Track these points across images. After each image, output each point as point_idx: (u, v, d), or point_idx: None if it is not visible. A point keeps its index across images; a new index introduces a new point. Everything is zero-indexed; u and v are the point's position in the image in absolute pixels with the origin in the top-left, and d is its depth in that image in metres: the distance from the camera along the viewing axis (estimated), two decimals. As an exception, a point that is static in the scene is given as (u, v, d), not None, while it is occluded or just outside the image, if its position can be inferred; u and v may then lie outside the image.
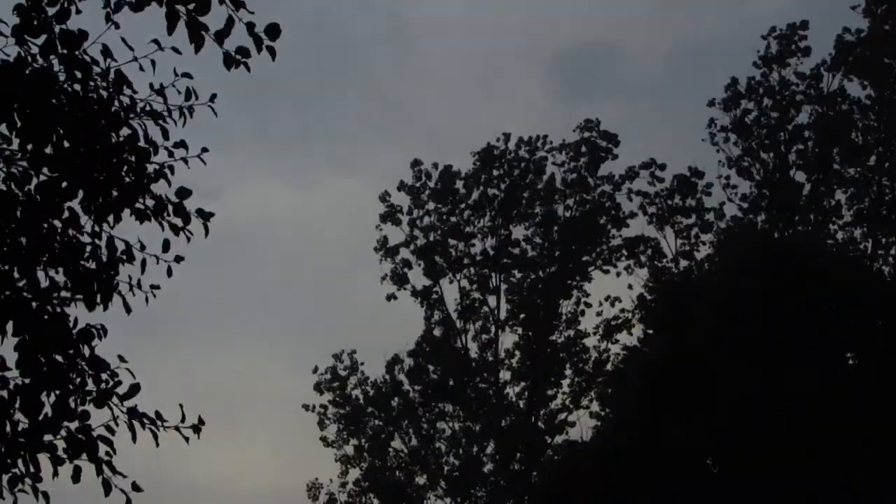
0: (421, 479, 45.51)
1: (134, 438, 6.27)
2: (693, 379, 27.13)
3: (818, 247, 30.17)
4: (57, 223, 6.30)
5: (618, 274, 45.78)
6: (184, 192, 6.74)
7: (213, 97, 7.02)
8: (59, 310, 6.18)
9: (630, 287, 44.14)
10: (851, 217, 42.57)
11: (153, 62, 6.76)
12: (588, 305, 45.84)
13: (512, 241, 46.43)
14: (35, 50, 6.37)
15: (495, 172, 46.40)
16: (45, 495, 6.21)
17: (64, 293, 6.26)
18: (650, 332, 31.81)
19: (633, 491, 27.64)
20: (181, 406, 6.48)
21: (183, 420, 6.50)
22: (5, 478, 6.09)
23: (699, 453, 27.72)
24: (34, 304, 6.08)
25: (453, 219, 46.46)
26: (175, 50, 6.75)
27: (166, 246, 6.78)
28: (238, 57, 6.48)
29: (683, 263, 44.37)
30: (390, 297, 46.21)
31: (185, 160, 6.86)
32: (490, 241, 46.47)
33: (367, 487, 45.30)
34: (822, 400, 26.03)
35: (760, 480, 26.22)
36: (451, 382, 45.79)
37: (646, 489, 27.25)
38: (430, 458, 45.31)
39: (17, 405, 6.03)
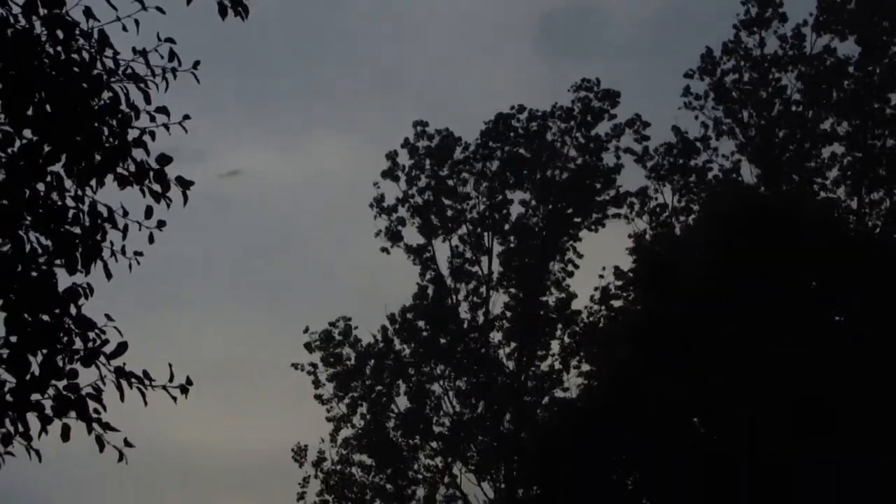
0: (413, 440, 45.73)
1: (122, 397, 6.24)
2: (678, 337, 27.27)
3: (803, 203, 30.22)
4: (40, 187, 6.28)
5: (605, 220, 45.40)
6: (164, 159, 6.69)
7: (196, 64, 6.96)
8: (44, 268, 6.18)
9: (630, 236, 43.68)
10: (838, 173, 42.55)
11: (137, 22, 6.72)
12: (577, 267, 45.86)
13: (508, 201, 46.40)
14: (17, 10, 6.33)
15: (500, 142, 46.32)
16: (38, 453, 6.22)
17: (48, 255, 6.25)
18: (637, 291, 31.91)
19: (620, 448, 27.88)
20: (170, 365, 6.46)
21: (171, 380, 6.46)
22: None
23: (685, 412, 27.92)
24: (19, 265, 6.08)
25: (450, 182, 46.44)
26: (159, 10, 6.71)
27: (149, 213, 6.72)
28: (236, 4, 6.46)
29: (682, 219, 44.24)
30: (384, 249, 46.36)
31: (166, 126, 6.79)
32: (485, 201, 46.44)
33: (360, 446, 45.46)
34: (807, 358, 26.19)
35: (746, 439, 26.42)
36: (443, 342, 45.94)
37: (632, 446, 27.48)
38: (421, 417, 45.52)
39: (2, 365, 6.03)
